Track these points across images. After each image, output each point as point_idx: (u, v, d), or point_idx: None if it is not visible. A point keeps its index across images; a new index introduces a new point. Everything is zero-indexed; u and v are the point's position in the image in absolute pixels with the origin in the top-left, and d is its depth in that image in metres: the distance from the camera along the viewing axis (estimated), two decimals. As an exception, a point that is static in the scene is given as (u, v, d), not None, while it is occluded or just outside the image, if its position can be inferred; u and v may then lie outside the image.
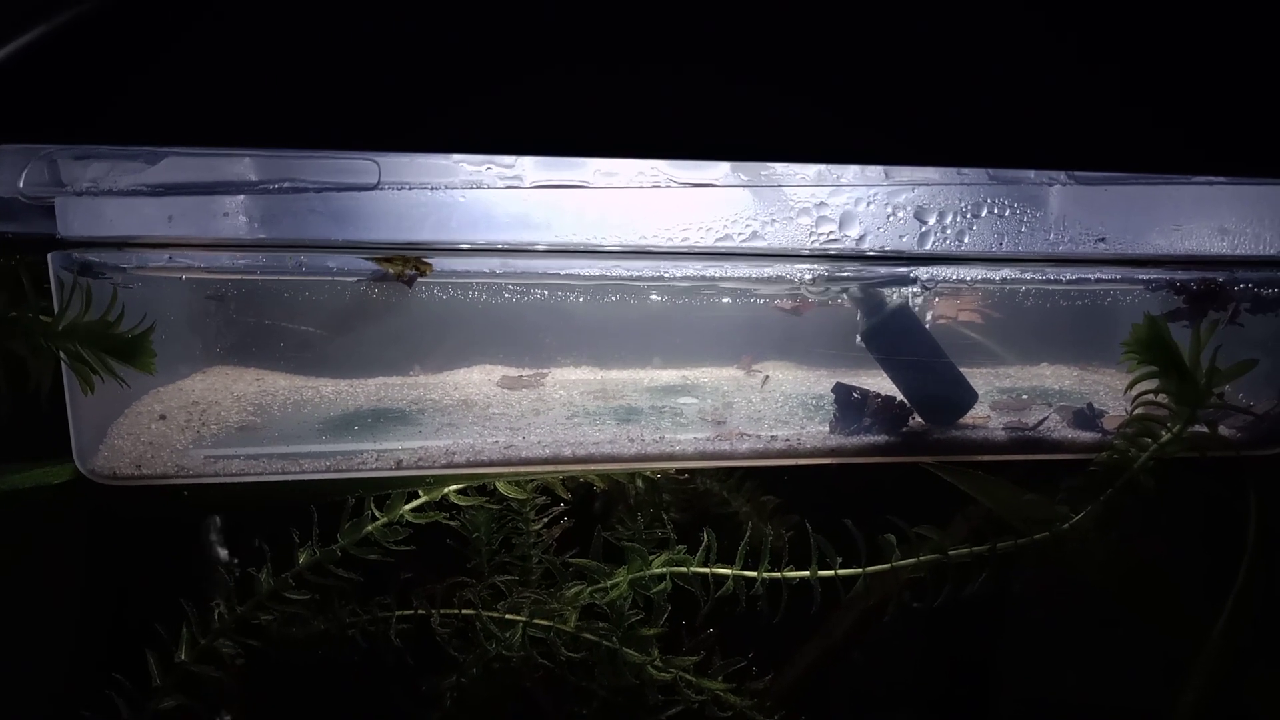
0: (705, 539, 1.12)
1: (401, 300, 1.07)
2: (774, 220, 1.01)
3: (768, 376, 1.21)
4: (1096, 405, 1.19)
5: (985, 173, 1.00)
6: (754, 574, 1.11)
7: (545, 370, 1.23)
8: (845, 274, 1.08)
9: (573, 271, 1.04)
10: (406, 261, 0.97)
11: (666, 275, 1.05)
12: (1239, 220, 1.05)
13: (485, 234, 0.96)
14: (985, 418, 1.14)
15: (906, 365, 1.11)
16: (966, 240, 1.04)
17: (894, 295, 1.11)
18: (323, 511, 1.08)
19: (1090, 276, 1.11)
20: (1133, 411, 1.05)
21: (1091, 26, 0.86)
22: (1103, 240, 1.05)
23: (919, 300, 1.13)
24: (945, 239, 1.03)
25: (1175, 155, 0.94)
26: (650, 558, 1.15)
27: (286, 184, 0.93)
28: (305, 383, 1.19)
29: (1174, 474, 1.06)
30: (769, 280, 1.08)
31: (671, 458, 1.08)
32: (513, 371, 1.24)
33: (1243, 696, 1.14)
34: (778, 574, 1.11)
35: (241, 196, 0.94)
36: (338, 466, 1.04)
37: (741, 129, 0.86)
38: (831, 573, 1.10)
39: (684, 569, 1.13)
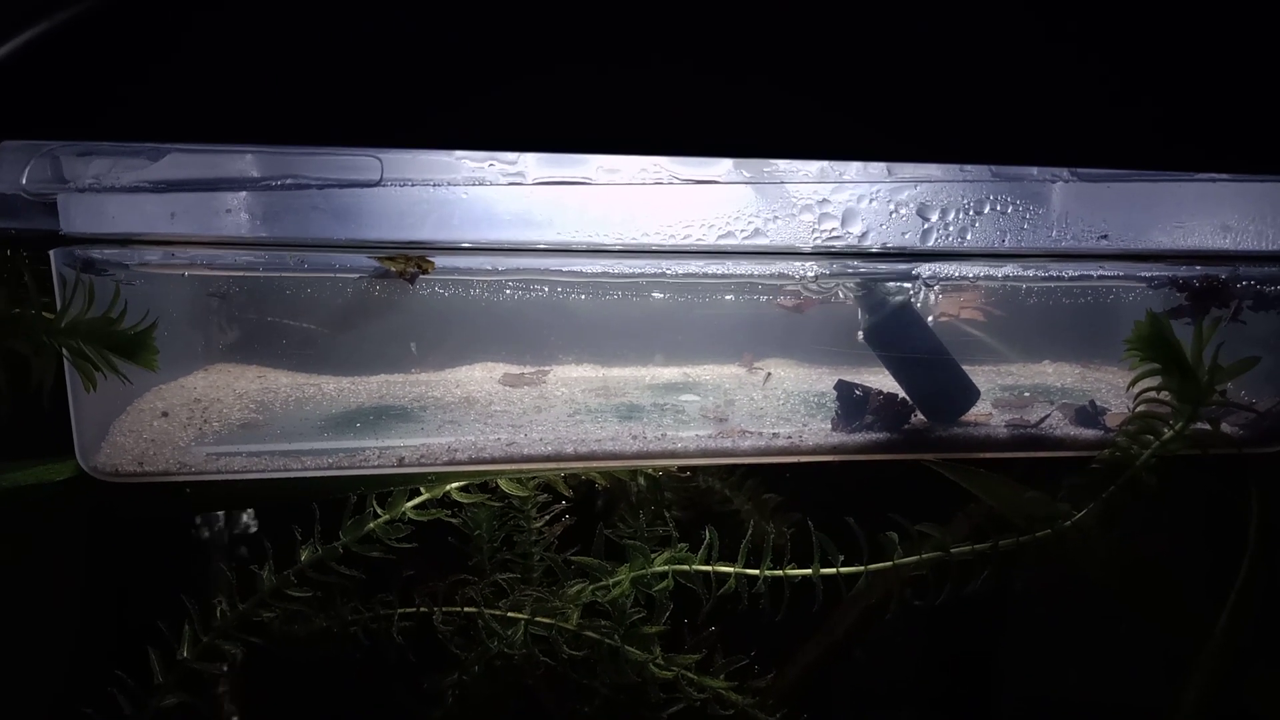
0: (707, 537, 1.12)
1: (403, 297, 1.07)
2: (776, 217, 1.01)
3: (769, 374, 1.21)
4: (1099, 403, 1.19)
5: (988, 169, 1.00)
6: (756, 572, 1.11)
7: (547, 368, 1.23)
8: (847, 271, 1.08)
9: (575, 269, 1.04)
10: (409, 260, 0.97)
11: (669, 272, 1.05)
12: (1241, 217, 1.05)
13: (487, 231, 0.96)
14: (987, 415, 1.14)
15: (908, 363, 1.11)
16: (969, 237, 1.04)
17: (896, 292, 1.11)
18: (325, 509, 1.08)
19: (1093, 273, 1.11)
20: (1135, 409, 1.05)
21: (1094, 23, 0.86)
22: (1105, 237, 1.05)
23: (921, 297, 1.13)
24: (948, 236, 1.03)
25: (1178, 152, 0.94)
26: (652, 556, 1.15)
27: (289, 180, 0.93)
28: (307, 380, 1.19)
29: (1176, 472, 1.06)
30: (771, 277, 1.08)
31: (674, 455, 1.08)
32: (514, 369, 1.24)
33: (1244, 695, 1.14)
34: (780, 572, 1.11)
35: (244, 193, 0.94)
36: (340, 464, 1.04)
37: (744, 125, 0.86)
38: (834, 570, 1.10)
39: (686, 567, 1.13)
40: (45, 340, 0.91)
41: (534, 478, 1.13)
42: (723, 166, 0.96)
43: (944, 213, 1.03)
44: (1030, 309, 1.19)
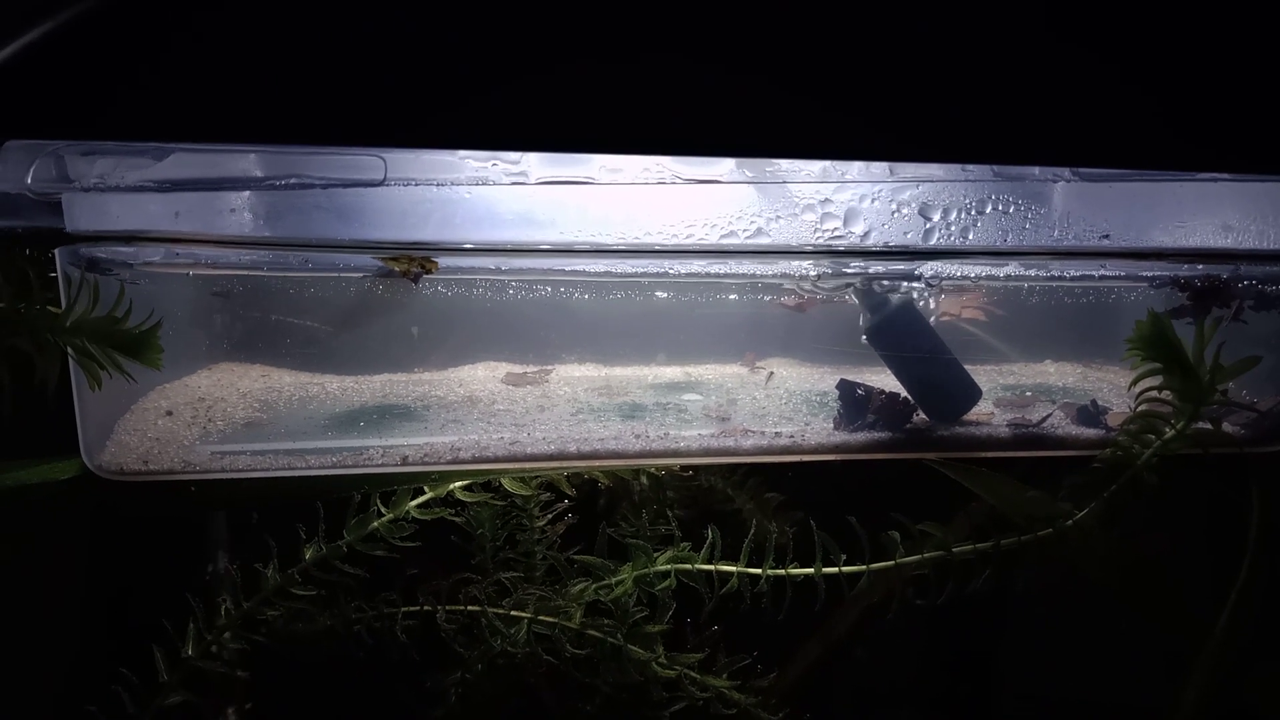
0: (710, 536, 1.12)
1: (407, 297, 1.07)
2: (779, 217, 1.01)
3: (772, 373, 1.21)
4: (1100, 402, 1.19)
5: (990, 169, 1.01)
6: (758, 571, 1.11)
7: (550, 367, 1.24)
8: (849, 270, 1.09)
9: (578, 268, 1.04)
10: (412, 260, 0.97)
11: (671, 272, 1.05)
12: (1243, 217, 1.05)
13: (490, 231, 0.97)
14: (989, 414, 1.14)
15: (910, 362, 1.11)
16: (971, 237, 1.04)
17: (898, 292, 1.11)
18: (329, 508, 1.09)
19: (1094, 273, 1.11)
20: (1136, 408, 1.05)
21: (1096, 23, 0.86)
22: (1107, 237, 1.05)
23: (924, 297, 1.13)
24: (950, 235, 1.03)
25: (1179, 152, 0.94)
26: (655, 554, 1.15)
27: (292, 180, 0.93)
28: (311, 379, 1.19)
29: (1177, 471, 1.06)
30: (774, 276, 1.08)
31: (676, 454, 1.08)
32: (517, 368, 1.24)
33: (1244, 693, 1.14)
34: (782, 571, 1.11)
35: (247, 193, 0.94)
36: (344, 462, 1.04)
37: (746, 125, 0.86)
38: (835, 570, 1.10)
39: (688, 566, 1.13)
40: (50, 339, 0.92)
41: (537, 477, 1.13)
42: (725, 166, 0.97)
43: (946, 212, 1.03)
44: (1032, 309, 1.19)
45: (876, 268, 1.09)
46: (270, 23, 0.79)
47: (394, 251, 0.98)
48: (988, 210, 1.03)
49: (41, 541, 1.14)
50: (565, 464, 1.08)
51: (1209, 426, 1.04)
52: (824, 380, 1.24)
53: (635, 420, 1.12)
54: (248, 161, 0.93)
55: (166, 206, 0.94)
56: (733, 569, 1.12)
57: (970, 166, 1.00)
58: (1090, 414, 1.15)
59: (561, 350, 1.24)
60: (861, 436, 1.10)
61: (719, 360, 1.29)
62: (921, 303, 1.13)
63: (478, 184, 0.94)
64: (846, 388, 1.12)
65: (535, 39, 0.81)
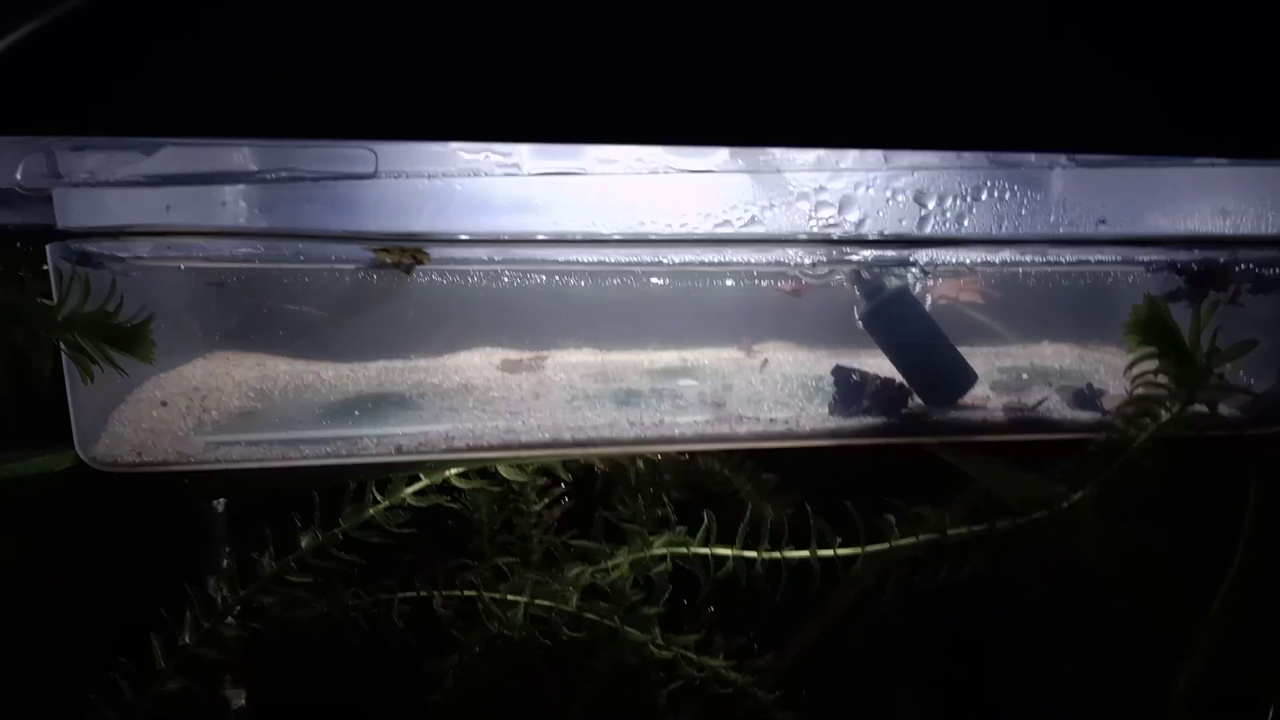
0: (705, 520, 1.13)
1: (402, 285, 1.07)
2: (773, 205, 1.01)
3: (766, 360, 1.21)
4: (1096, 385, 1.19)
5: (985, 156, 1.00)
6: (754, 554, 1.12)
7: (545, 353, 1.23)
8: (844, 258, 1.08)
9: (571, 258, 1.04)
10: (404, 251, 0.97)
11: (665, 261, 1.05)
12: (1240, 201, 1.05)
13: (483, 222, 0.96)
14: (985, 398, 1.14)
15: (906, 347, 1.11)
16: (966, 223, 1.03)
17: (893, 278, 1.11)
18: (325, 496, 1.09)
19: (1090, 258, 1.10)
20: (1132, 393, 1.05)
21: (1091, 9, 0.85)
22: (1103, 222, 1.05)
23: (920, 283, 1.13)
24: (945, 222, 1.03)
25: (1176, 138, 0.93)
26: (651, 538, 1.15)
27: (283, 173, 0.93)
28: (306, 367, 1.19)
29: (1173, 455, 1.06)
30: (769, 265, 1.08)
31: (671, 441, 1.08)
32: (513, 355, 1.24)
33: (1241, 677, 1.15)
34: (778, 554, 1.12)
35: (239, 186, 0.94)
36: (339, 452, 1.04)
37: (740, 115, 0.85)
38: (831, 553, 1.11)
39: (684, 550, 1.14)
40: (43, 334, 0.92)
41: (533, 462, 1.14)
42: (719, 157, 0.96)
43: (941, 199, 1.02)
44: (1029, 291, 1.19)
45: (871, 255, 1.08)
46: (258, 16, 0.79)
47: (386, 242, 0.97)
48: (983, 196, 1.03)
49: (40, 533, 1.15)
50: (560, 452, 1.08)
51: (1205, 410, 1.04)
52: (820, 364, 1.24)
53: (630, 407, 1.12)
54: (238, 155, 0.92)
55: (158, 200, 0.94)
56: (728, 553, 1.13)
57: (966, 154, 0.99)
58: (1086, 397, 1.15)
59: (558, 336, 1.24)
60: (856, 422, 1.10)
61: (715, 344, 1.29)
62: (918, 288, 1.13)
63: (470, 175, 0.94)
64: (841, 374, 1.12)
65: (525, 30, 0.80)
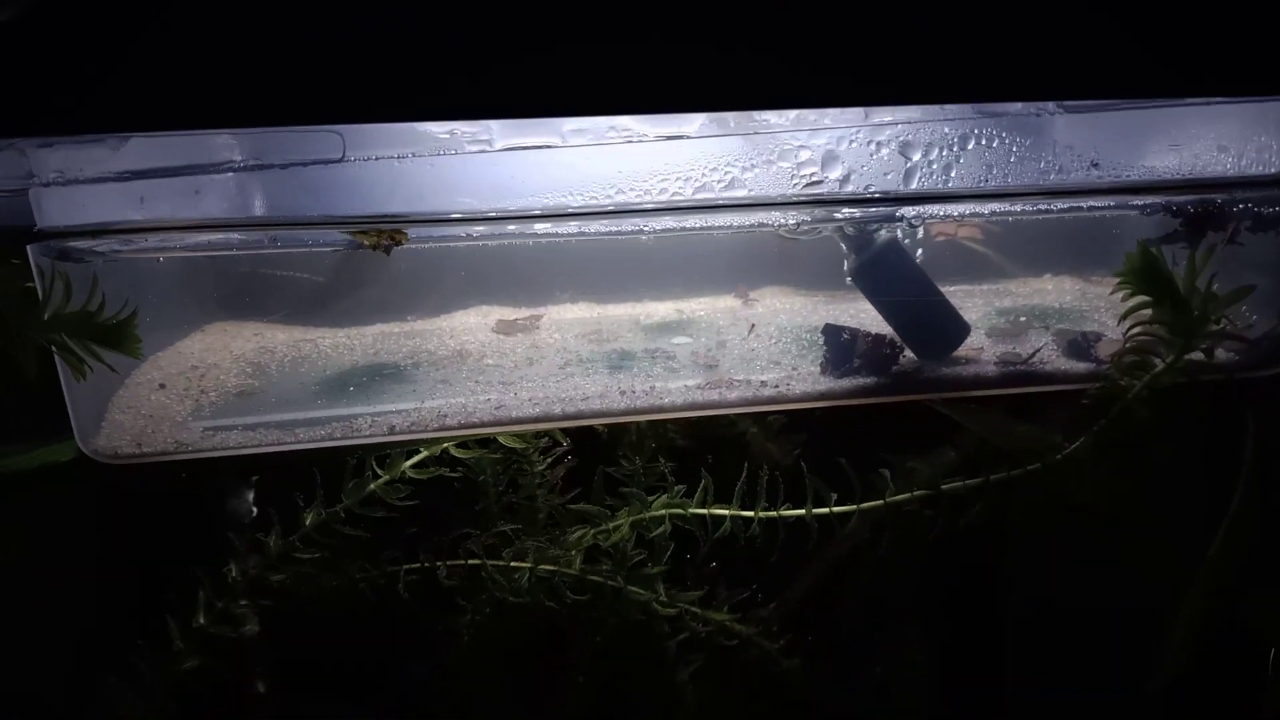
0: (703, 480, 1.14)
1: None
2: (753, 165, 0.99)
3: (754, 326, 1.20)
4: (1095, 329, 1.17)
5: (970, 108, 0.97)
6: (751, 514, 1.13)
7: (541, 310, 1.23)
8: (831, 217, 1.06)
9: (549, 230, 1.03)
10: (381, 233, 0.96)
11: (646, 229, 1.03)
12: (1237, 139, 1.02)
13: (459, 200, 0.96)
14: (979, 349, 1.13)
15: (897, 303, 1.10)
16: (954, 173, 1.01)
17: (882, 231, 1.09)
18: (326, 474, 1.11)
19: (1083, 205, 1.08)
20: (1127, 343, 1.04)
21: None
22: (1096, 165, 1.02)
23: (909, 233, 1.11)
24: (932, 174, 1.01)
25: (1167, 81, 0.90)
26: (651, 498, 1.16)
27: (255, 161, 0.92)
28: (304, 335, 1.19)
29: (1171, 399, 1.05)
30: (752, 227, 1.06)
31: (662, 410, 1.08)
32: (509, 313, 1.23)
33: (1239, 613, 1.15)
34: (774, 513, 1.12)
35: (212, 176, 0.93)
36: (333, 434, 1.05)
37: (715, 79, 0.84)
38: (826, 510, 1.11)
39: (682, 511, 1.15)
40: (30, 335, 0.92)
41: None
42: (695, 123, 0.94)
43: (927, 150, 1.00)
44: (1028, 225, 1.16)
45: (858, 212, 1.06)
46: (219, 6, 0.78)
47: (362, 225, 0.97)
48: (970, 145, 1.01)
49: (50, 523, 1.17)
50: (550, 425, 1.09)
51: (1201, 357, 1.02)
52: (816, 312, 1.23)
53: (622, 372, 1.12)
54: (208, 145, 0.92)
55: (131, 193, 0.93)
56: (726, 513, 1.14)
57: (950, 105, 0.97)
58: (1080, 347, 1.13)
59: (555, 289, 1.23)
60: (848, 383, 1.09)
61: (711, 293, 1.28)
62: (908, 241, 1.11)
63: (442, 154, 0.93)
64: (832, 333, 1.11)
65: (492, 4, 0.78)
